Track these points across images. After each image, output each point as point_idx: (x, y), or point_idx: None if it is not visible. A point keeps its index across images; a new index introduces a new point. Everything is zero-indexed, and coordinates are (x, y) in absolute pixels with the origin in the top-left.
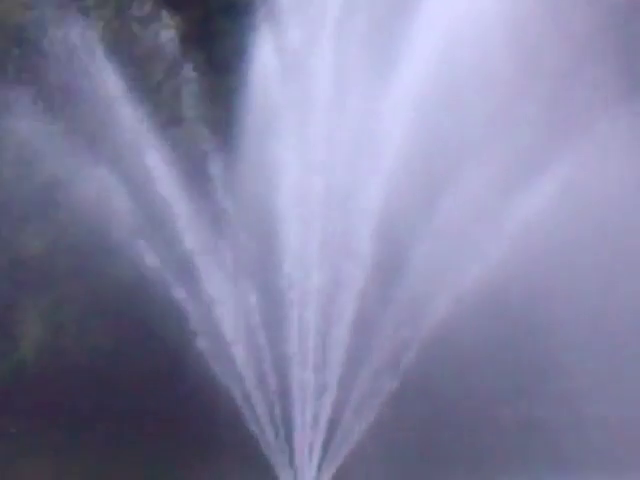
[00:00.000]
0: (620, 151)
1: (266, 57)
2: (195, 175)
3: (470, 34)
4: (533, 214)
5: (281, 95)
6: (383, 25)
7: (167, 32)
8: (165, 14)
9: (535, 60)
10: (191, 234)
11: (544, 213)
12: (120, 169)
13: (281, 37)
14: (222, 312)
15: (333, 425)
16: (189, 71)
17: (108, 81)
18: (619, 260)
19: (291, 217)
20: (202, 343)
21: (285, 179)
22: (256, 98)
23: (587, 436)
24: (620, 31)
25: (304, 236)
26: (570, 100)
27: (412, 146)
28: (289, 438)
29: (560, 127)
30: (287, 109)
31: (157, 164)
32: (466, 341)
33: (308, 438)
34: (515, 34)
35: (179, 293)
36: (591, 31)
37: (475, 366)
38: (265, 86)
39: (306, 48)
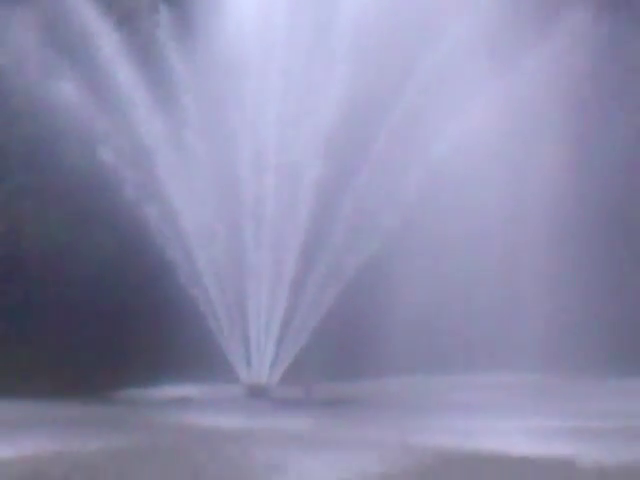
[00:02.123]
0: None
1: None
2: (155, 67)
3: None
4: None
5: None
6: None
7: None
8: None
9: None
10: (150, 126)
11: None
12: (76, 60)
13: None
14: (179, 207)
15: (288, 317)
16: None
17: None
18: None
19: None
20: (160, 237)
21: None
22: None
23: None
24: None
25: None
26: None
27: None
28: (245, 335)
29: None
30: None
31: (114, 54)
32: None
33: (262, 333)
34: None
35: (133, 185)
36: None
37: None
38: None
39: None
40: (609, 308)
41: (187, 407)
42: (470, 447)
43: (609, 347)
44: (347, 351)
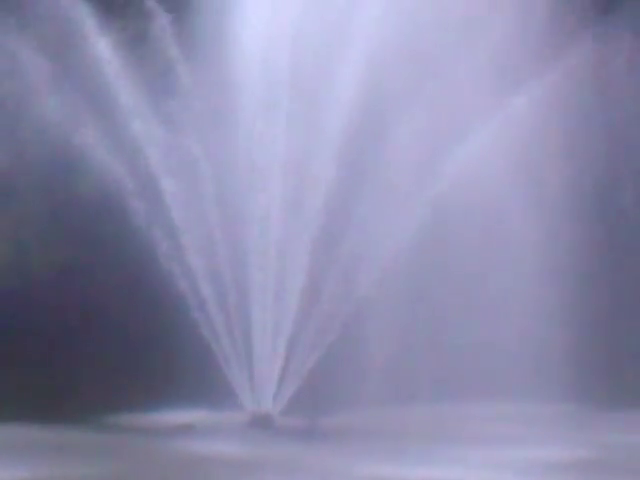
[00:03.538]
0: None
1: None
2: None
3: None
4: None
5: None
6: None
7: None
8: None
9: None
10: (155, 154)
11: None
12: (84, 86)
13: None
14: (181, 223)
15: (293, 345)
16: None
17: None
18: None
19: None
20: (165, 260)
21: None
22: None
23: None
24: None
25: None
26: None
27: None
28: (249, 357)
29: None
30: None
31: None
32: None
33: (268, 358)
34: None
35: (139, 210)
36: None
37: None
38: None
39: None
40: (608, 337)
41: (187, 435)
42: None
43: (607, 377)
44: (353, 380)
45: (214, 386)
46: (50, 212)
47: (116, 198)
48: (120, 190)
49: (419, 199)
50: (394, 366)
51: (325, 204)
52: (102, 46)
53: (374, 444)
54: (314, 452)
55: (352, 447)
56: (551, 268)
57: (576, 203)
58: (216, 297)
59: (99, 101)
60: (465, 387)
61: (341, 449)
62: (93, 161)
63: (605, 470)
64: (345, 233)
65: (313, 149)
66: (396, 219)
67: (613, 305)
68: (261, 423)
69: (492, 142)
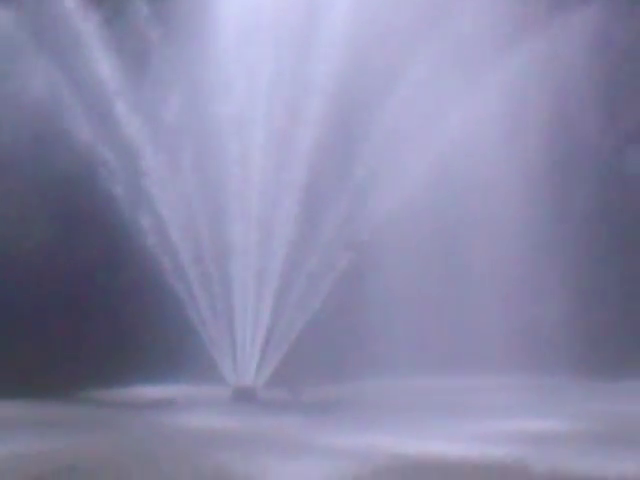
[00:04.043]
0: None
1: None
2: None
3: None
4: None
5: None
6: None
7: None
8: None
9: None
10: (133, 125)
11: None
12: (61, 62)
13: None
14: (163, 199)
15: (275, 318)
16: None
17: None
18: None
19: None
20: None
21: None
22: None
23: None
24: None
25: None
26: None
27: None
28: (231, 331)
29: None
30: None
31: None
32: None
33: (250, 332)
34: None
35: (122, 188)
36: None
37: None
38: None
39: None
40: (594, 311)
41: (170, 408)
42: (442, 452)
43: (593, 349)
44: (334, 353)
45: (197, 361)
46: (35, 190)
47: (99, 174)
48: (101, 165)
49: (413, 166)
50: (377, 339)
51: (312, 164)
52: (83, 24)
53: (356, 415)
54: (295, 424)
55: (334, 419)
56: (540, 241)
57: (560, 174)
58: (198, 272)
59: (82, 80)
60: (457, 360)
61: (322, 421)
62: (76, 139)
63: (597, 440)
64: (332, 201)
65: (301, 103)
66: (386, 185)
67: (599, 280)
68: (243, 396)
69: (482, 113)
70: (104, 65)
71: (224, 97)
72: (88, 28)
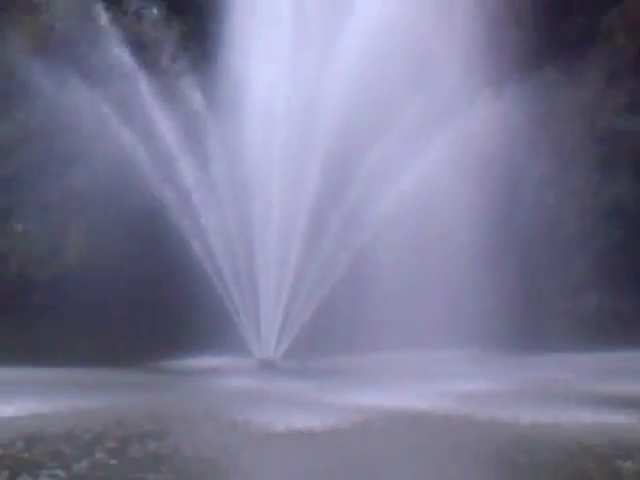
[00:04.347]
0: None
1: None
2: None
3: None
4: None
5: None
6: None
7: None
8: None
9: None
10: (186, 173)
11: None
12: (136, 127)
13: None
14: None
15: (291, 304)
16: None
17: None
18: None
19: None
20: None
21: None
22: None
23: None
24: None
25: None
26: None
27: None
28: (257, 317)
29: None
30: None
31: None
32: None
33: (271, 316)
34: (413, 35)
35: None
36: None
37: None
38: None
39: None
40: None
41: (212, 375)
42: (421, 407)
43: (516, 324)
44: (346, 328)
45: (231, 339)
46: (120, 219)
47: (162, 208)
48: (163, 201)
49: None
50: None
51: (325, 165)
52: (152, 99)
53: (352, 381)
54: (305, 387)
55: (335, 383)
56: (482, 252)
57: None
58: (232, 273)
59: (151, 141)
60: (425, 338)
61: (327, 385)
62: (147, 183)
63: (518, 397)
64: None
65: (314, 125)
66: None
67: (524, 279)
68: (266, 366)
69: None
70: (167, 131)
71: (251, 159)
72: (156, 103)
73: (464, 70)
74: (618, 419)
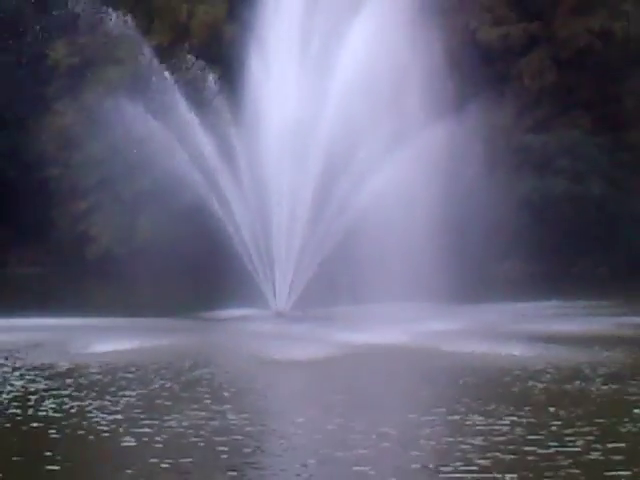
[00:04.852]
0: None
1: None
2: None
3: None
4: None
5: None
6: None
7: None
8: None
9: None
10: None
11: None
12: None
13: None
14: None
15: (299, 263)
16: None
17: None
18: None
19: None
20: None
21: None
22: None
23: None
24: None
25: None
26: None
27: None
28: (272, 276)
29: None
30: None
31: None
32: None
33: (283, 274)
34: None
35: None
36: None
37: None
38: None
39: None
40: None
41: (237, 321)
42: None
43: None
44: (342, 284)
45: (251, 293)
46: (177, 213)
47: (207, 206)
48: (208, 201)
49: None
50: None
51: (325, 165)
52: (191, 117)
53: (346, 324)
54: (307, 329)
55: (331, 326)
56: (428, 221)
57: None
58: (250, 234)
59: (191, 148)
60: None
61: (325, 328)
62: (194, 186)
63: (468, 334)
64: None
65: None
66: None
67: (460, 239)
68: (280, 315)
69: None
70: (207, 147)
71: (267, 161)
72: (200, 129)
73: (421, 101)
74: (529, 350)
